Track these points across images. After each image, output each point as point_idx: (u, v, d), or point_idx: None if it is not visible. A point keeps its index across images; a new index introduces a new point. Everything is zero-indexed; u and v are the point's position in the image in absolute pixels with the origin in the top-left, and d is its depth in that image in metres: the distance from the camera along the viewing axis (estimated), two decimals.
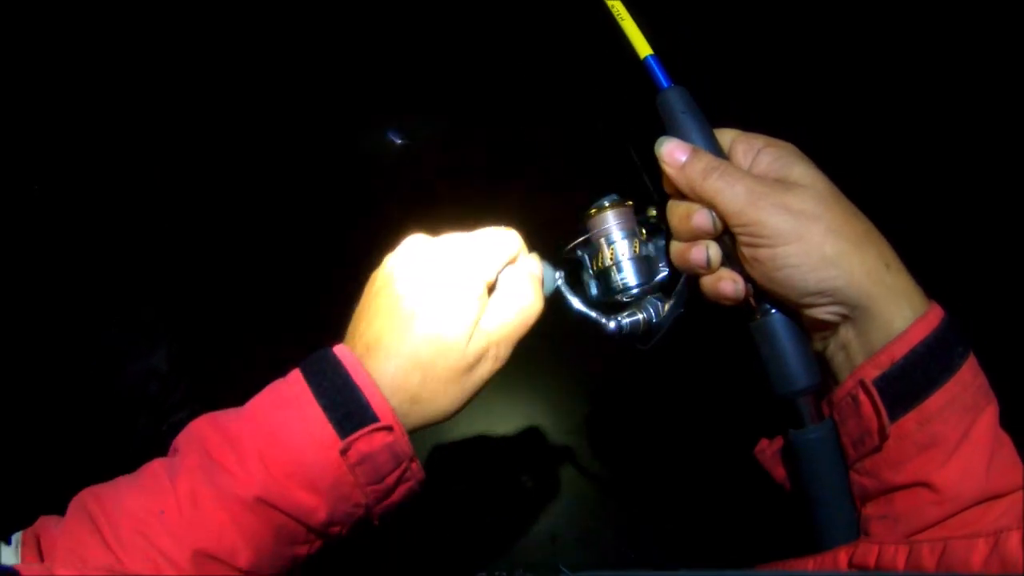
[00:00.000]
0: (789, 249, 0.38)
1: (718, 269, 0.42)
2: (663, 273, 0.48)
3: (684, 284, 0.46)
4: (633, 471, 0.84)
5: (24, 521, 0.38)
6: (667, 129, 0.43)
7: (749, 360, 0.44)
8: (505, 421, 0.86)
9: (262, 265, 0.99)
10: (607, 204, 0.48)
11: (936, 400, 0.37)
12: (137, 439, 0.90)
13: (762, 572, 0.45)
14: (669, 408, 0.85)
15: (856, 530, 0.43)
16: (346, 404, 0.38)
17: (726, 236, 0.41)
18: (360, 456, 0.38)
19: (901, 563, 0.37)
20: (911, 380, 0.38)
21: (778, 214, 0.38)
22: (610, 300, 0.49)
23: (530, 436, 0.86)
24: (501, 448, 0.86)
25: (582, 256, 0.50)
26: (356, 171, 1.05)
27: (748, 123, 0.44)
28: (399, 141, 1.06)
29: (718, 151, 0.42)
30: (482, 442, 0.86)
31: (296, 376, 0.40)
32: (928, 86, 0.94)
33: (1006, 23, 0.89)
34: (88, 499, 0.37)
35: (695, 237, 0.42)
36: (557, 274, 0.47)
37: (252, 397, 0.41)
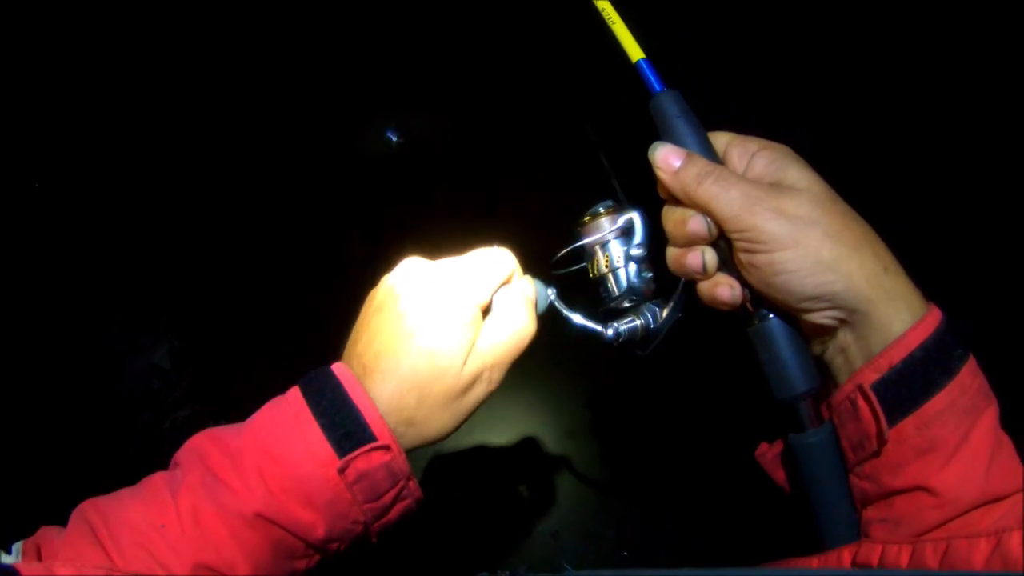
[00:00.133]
0: (786, 254, 0.37)
1: (715, 274, 0.42)
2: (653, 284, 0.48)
3: (681, 290, 0.46)
4: (633, 472, 0.84)
5: (26, 525, 0.39)
6: (660, 134, 0.43)
7: (747, 364, 0.43)
8: (505, 423, 0.86)
9: (263, 263, 0.99)
10: (602, 211, 0.47)
11: (935, 404, 0.37)
12: (139, 436, 0.90)
13: (765, 570, 0.45)
14: (668, 411, 0.85)
15: (857, 532, 0.43)
16: (345, 424, 0.38)
17: (722, 241, 0.41)
18: (358, 474, 0.38)
19: (904, 562, 0.37)
20: (909, 384, 0.38)
21: (774, 219, 0.38)
22: (607, 307, 0.49)
23: (530, 437, 0.86)
24: (502, 448, 0.86)
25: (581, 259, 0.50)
26: (356, 169, 1.05)
27: (746, 125, 0.44)
28: (396, 140, 1.06)
29: (712, 155, 0.42)
30: (483, 442, 0.86)
31: (296, 394, 0.41)
32: (927, 87, 0.93)
33: (1006, 22, 0.89)
34: (89, 511, 0.38)
35: (691, 243, 0.42)
36: (550, 291, 0.47)
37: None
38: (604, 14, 0.44)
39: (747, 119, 0.44)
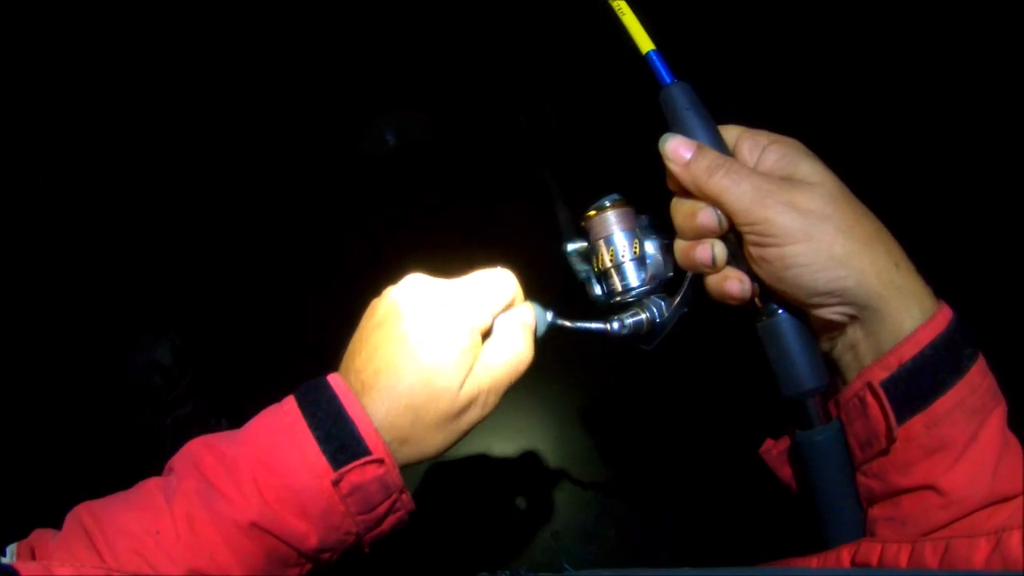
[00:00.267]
0: (797, 248, 0.37)
1: (724, 268, 0.42)
2: (667, 273, 0.47)
3: (688, 283, 0.46)
4: (634, 472, 0.84)
5: (25, 523, 0.39)
6: (670, 126, 0.42)
7: (753, 359, 0.43)
8: (506, 423, 0.86)
9: (264, 260, 1.00)
10: (608, 204, 0.47)
11: (944, 403, 0.37)
12: (140, 433, 0.91)
13: (766, 570, 0.44)
14: (669, 410, 0.85)
15: (862, 531, 0.42)
16: (340, 436, 0.39)
17: (732, 234, 0.40)
18: (352, 487, 0.38)
19: (904, 562, 0.37)
20: (919, 382, 0.37)
21: (786, 213, 0.37)
22: (612, 301, 0.48)
23: (531, 438, 0.86)
24: (502, 448, 0.85)
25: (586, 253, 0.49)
26: (355, 168, 1.06)
27: (751, 120, 0.44)
28: (392, 140, 1.06)
29: (723, 148, 0.41)
30: (484, 443, 0.85)
31: (292, 404, 0.41)
32: (933, 82, 0.93)
33: (1013, 17, 0.88)
34: (84, 514, 0.38)
35: (700, 236, 0.41)
36: (548, 314, 0.47)
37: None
38: (615, 5, 0.44)
39: (749, 117, 0.44)
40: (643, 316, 0.47)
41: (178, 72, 1.06)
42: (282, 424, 0.40)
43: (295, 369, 0.42)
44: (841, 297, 0.38)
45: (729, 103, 0.47)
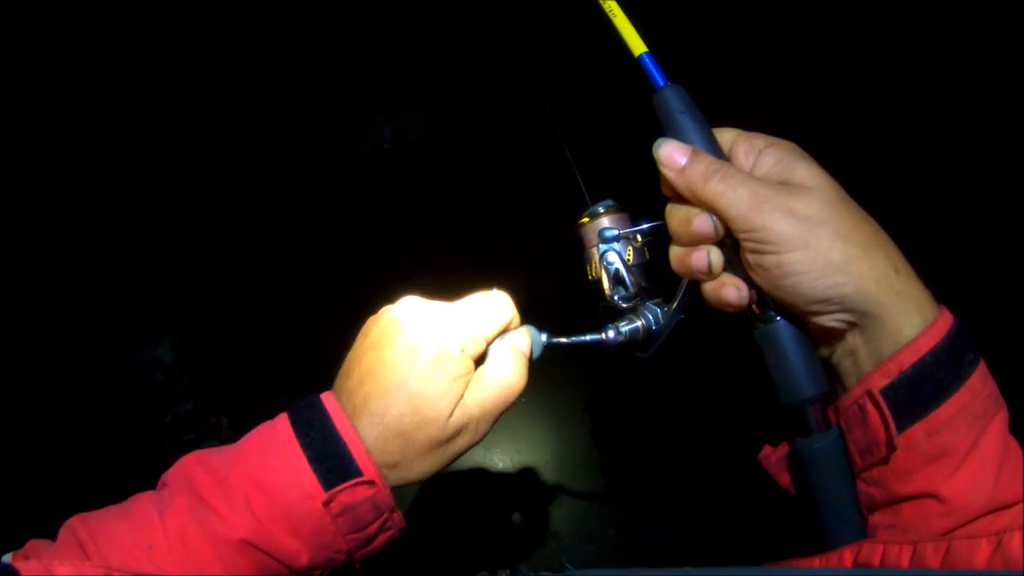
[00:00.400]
0: (795, 255, 0.36)
1: (720, 275, 0.41)
2: (663, 280, 0.47)
3: (684, 290, 0.45)
4: (634, 472, 0.84)
5: (25, 522, 0.40)
6: (665, 130, 0.41)
7: (751, 364, 0.42)
8: (507, 425, 0.86)
9: (264, 259, 1.01)
10: (601, 210, 0.46)
11: (945, 410, 0.36)
12: (141, 429, 0.92)
13: (767, 570, 0.44)
14: (669, 413, 0.85)
15: (863, 536, 0.42)
16: (331, 457, 0.39)
17: (728, 241, 0.39)
18: (342, 507, 0.39)
19: (905, 563, 0.36)
20: (920, 390, 0.37)
21: (783, 219, 0.36)
22: (606, 307, 0.48)
23: (532, 439, 0.86)
24: (503, 449, 0.85)
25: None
26: (355, 167, 1.06)
27: (746, 125, 0.43)
28: (389, 141, 1.06)
29: (718, 152, 0.41)
30: (485, 443, 0.85)
31: (284, 423, 0.41)
32: (931, 84, 0.92)
33: (1012, 19, 0.87)
34: (78, 527, 0.39)
35: (696, 242, 0.40)
36: (543, 336, 0.46)
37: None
38: (606, 7, 0.43)
39: (747, 119, 0.43)
40: (639, 323, 0.46)
41: (179, 73, 1.07)
42: (275, 443, 0.40)
43: (294, 368, 0.42)
44: (840, 304, 0.37)
45: (728, 103, 0.46)
